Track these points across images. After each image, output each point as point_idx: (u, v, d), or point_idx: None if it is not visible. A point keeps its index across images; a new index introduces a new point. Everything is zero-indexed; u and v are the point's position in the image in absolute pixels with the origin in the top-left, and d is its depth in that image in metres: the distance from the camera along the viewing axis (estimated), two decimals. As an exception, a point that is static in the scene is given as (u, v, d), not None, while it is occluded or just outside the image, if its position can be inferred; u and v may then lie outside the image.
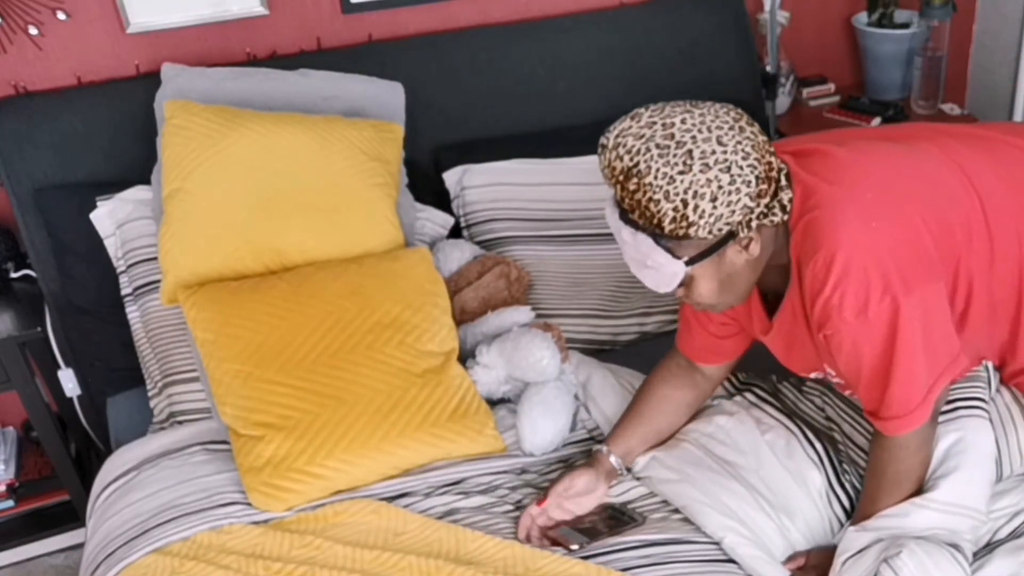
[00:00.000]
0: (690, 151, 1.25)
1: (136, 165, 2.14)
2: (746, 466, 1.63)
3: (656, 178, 1.26)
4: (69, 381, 2.32)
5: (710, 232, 1.28)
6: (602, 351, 2.05)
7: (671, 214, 1.26)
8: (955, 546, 1.43)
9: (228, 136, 1.97)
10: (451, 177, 2.33)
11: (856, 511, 1.55)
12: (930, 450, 1.50)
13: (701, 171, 1.25)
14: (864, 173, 1.40)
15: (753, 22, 2.68)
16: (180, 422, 1.89)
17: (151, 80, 2.16)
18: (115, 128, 2.18)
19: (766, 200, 1.31)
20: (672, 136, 1.27)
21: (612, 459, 1.68)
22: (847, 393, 1.64)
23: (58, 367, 2.30)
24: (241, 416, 1.72)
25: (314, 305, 1.83)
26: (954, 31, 2.69)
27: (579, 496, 1.63)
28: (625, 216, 1.33)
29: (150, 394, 1.96)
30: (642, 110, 1.32)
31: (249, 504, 1.67)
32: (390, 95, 2.23)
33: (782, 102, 2.77)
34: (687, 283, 1.38)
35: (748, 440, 1.67)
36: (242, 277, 1.94)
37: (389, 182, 2.08)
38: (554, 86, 2.47)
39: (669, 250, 1.32)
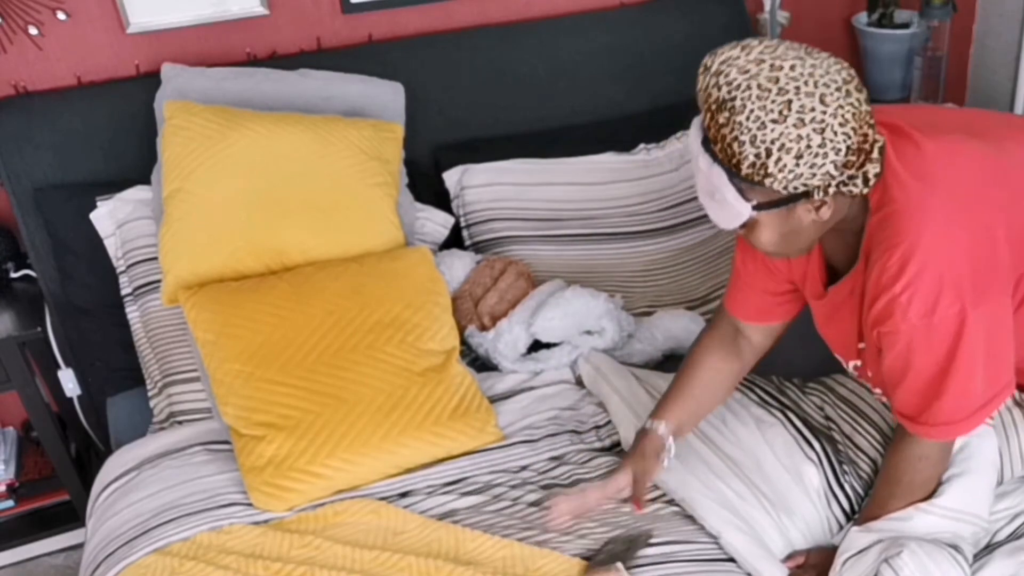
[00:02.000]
0: (789, 101, 1.20)
1: (136, 165, 2.14)
2: (747, 464, 1.63)
3: (747, 119, 1.21)
4: (69, 381, 2.32)
5: (785, 187, 1.24)
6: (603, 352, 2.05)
7: (751, 158, 1.22)
8: (955, 547, 1.43)
9: (228, 136, 1.97)
10: (451, 177, 2.33)
11: (861, 512, 1.55)
12: (947, 463, 1.50)
13: (795, 125, 1.20)
14: (953, 175, 1.36)
15: (753, 22, 2.69)
16: (180, 422, 1.89)
17: (151, 80, 2.16)
18: (115, 128, 2.17)
19: (851, 172, 1.26)
20: (776, 80, 1.21)
21: (661, 431, 1.63)
22: (876, 392, 1.60)
23: (58, 367, 2.30)
24: (242, 416, 1.72)
25: (315, 305, 1.83)
26: (954, 31, 2.69)
27: (638, 467, 1.62)
28: (707, 144, 1.29)
29: (150, 394, 1.96)
30: (754, 43, 1.27)
31: (249, 504, 1.67)
32: (390, 95, 2.24)
33: (782, 102, 2.77)
34: (750, 225, 1.34)
35: (749, 438, 1.67)
36: (242, 277, 1.94)
37: (389, 181, 2.08)
38: (554, 86, 2.47)
39: (740, 191, 1.28)
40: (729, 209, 1.31)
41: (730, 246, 2.29)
